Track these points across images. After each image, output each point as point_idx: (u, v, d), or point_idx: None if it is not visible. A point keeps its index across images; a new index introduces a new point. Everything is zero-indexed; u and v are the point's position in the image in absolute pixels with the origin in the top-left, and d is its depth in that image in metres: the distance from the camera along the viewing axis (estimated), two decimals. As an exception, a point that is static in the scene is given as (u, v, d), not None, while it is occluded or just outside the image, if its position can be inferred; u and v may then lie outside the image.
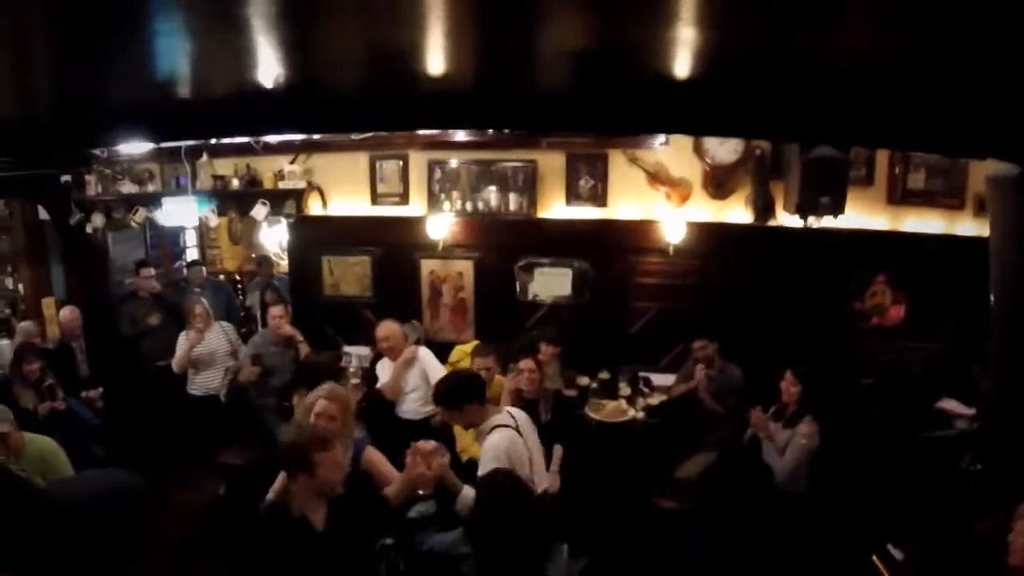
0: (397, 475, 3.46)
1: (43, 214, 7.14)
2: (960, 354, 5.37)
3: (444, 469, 3.31)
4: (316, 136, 6.10)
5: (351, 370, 5.74)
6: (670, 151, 5.86)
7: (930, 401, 5.27)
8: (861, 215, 5.68)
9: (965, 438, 4.79)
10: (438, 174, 6.06)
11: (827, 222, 5.25)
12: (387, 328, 5.22)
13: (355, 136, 6.00)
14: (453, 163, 6.06)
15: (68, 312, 5.96)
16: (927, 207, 5.77)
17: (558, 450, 4.66)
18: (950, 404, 5.17)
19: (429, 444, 3.37)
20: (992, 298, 3.85)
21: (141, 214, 6.74)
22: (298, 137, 6.15)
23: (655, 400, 5.47)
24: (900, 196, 5.78)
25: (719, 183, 5.86)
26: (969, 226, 5.64)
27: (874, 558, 4.23)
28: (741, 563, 4.39)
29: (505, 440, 3.57)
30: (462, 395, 3.74)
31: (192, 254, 8.59)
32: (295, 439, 3.04)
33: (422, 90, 2.75)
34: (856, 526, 4.53)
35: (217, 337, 5.95)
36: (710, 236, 5.81)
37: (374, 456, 3.80)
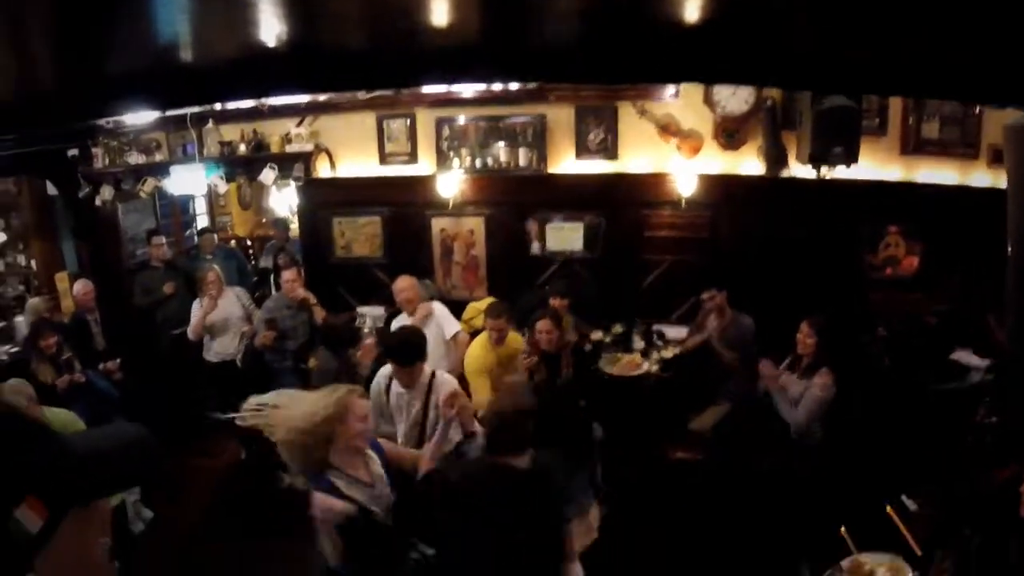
0: None
1: (52, 189, 7.14)
2: (974, 305, 5.32)
3: (465, 410, 3.36)
4: (322, 97, 6.03)
5: (365, 330, 5.78)
6: (680, 102, 5.77)
7: (944, 353, 5.24)
8: (874, 165, 5.60)
9: (979, 390, 4.75)
10: (446, 131, 6.00)
11: (840, 172, 5.19)
12: (404, 280, 5.24)
13: (361, 96, 5.93)
14: (461, 120, 6.00)
15: (81, 285, 5.99)
16: (941, 157, 5.67)
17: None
18: (964, 356, 5.13)
19: (450, 388, 3.55)
20: (1009, 248, 3.80)
21: (150, 184, 6.72)
22: (304, 99, 6.09)
23: (669, 353, 5.47)
24: (914, 146, 5.68)
25: (730, 134, 5.77)
26: (984, 176, 5.54)
27: (888, 509, 4.27)
28: (754, 514, 4.45)
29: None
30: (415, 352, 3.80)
31: (202, 221, 8.59)
32: None
33: (428, 43, 2.70)
34: (870, 477, 4.57)
35: (231, 303, 5.99)
36: (722, 188, 5.76)
37: None
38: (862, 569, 3.26)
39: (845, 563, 3.31)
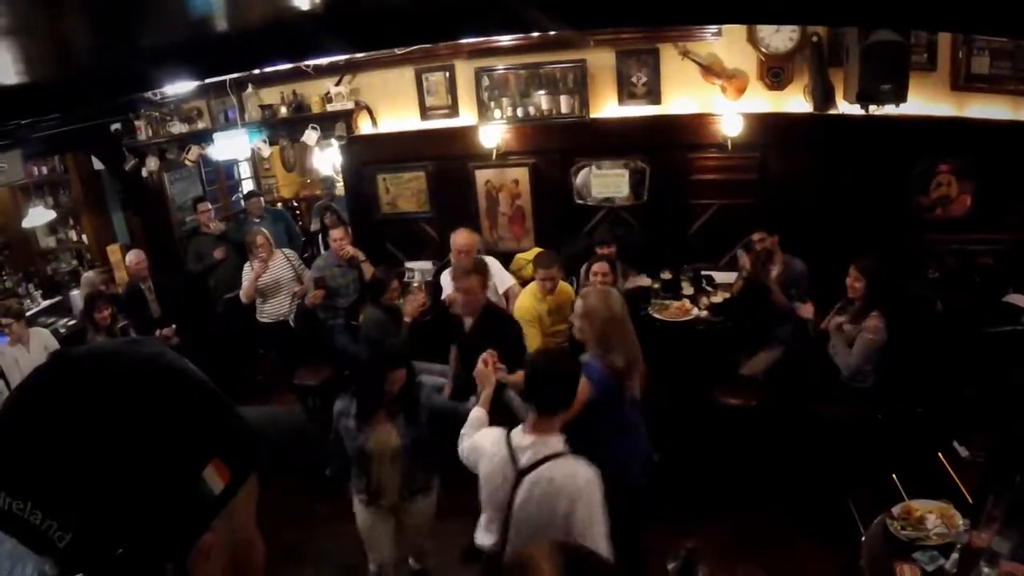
0: None
1: (98, 164, 7.30)
2: (1029, 245, 5.20)
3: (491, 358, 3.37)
4: (360, 55, 6.03)
5: (415, 284, 5.85)
6: (723, 42, 5.62)
7: (997, 295, 5.12)
8: (924, 102, 5.39)
9: None
10: (486, 82, 5.94)
11: (889, 110, 5.03)
12: (466, 236, 5.20)
13: (399, 50, 5.90)
14: (500, 69, 5.92)
15: (133, 256, 6.13)
16: (993, 93, 5.42)
17: None
18: (1019, 298, 5.00)
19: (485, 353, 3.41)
20: None
21: (194, 152, 6.84)
22: (342, 58, 6.09)
23: (718, 298, 5.43)
24: (964, 81, 5.44)
25: (776, 73, 5.63)
26: None
27: (939, 455, 4.23)
28: (806, 459, 4.45)
29: None
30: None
31: (248, 186, 8.70)
32: None
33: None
34: (922, 422, 4.53)
35: (281, 265, 6.11)
36: (768, 128, 5.63)
37: None
38: (913, 515, 3.26)
39: (896, 509, 3.31)
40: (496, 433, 2.84)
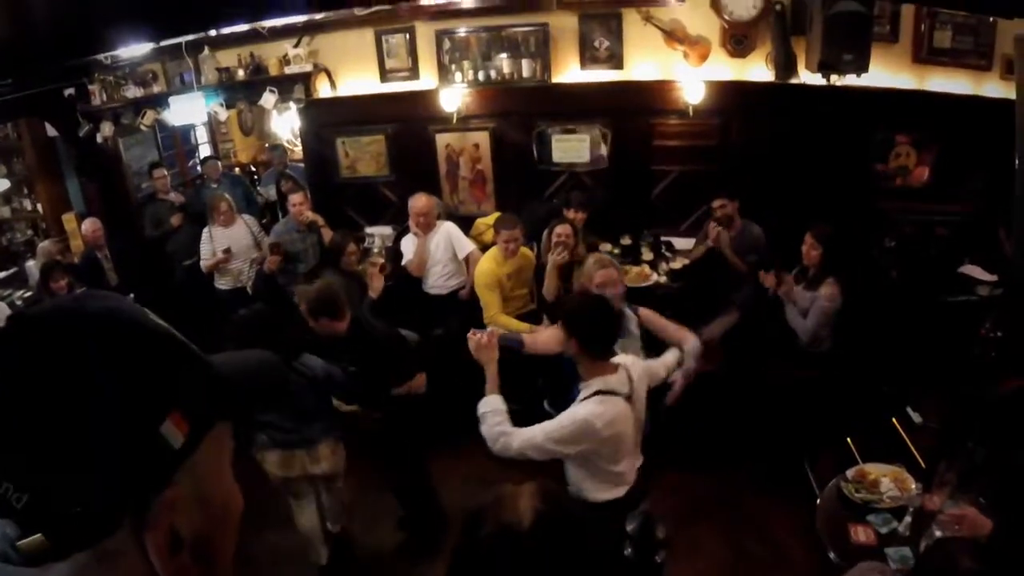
0: None
1: (51, 131, 7.07)
2: (985, 218, 5.26)
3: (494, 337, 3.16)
4: (319, 16, 5.90)
5: (375, 249, 5.79)
6: (686, 7, 5.59)
7: (953, 265, 5.22)
8: (885, 73, 5.44)
9: (986, 303, 4.76)
10: (447, 44, 5.84)
11: (850, 80, 5.05)
12: (424, 200, 5.21)
13: (359, 12, 5.78)
14: (462, 31, 5.83)
15: (89, 224, 6.00)
16: (954, 67, 5.49)
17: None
18: (973, 269, 5.11)
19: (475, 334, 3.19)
20: (1017, 162, 3.73)
21: (149, 116, 6.63)
22: (301, 19, 5.96)
23: (677, 264, 5.48)
24: (926, 54, 5.50)
25: (738, 40, 5.62)
26: (997, 87, 5.36)
27: (893, 421, 4.32)
28: (763, 423, 4.50)
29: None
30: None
31: (205, 150, 8.52)
32: None
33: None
34: (877, 388, 4.61)
35: (240, 230, 6.00)
36: (730, 95, 5.63)
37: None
38: (867, 478, 3.36)
39: (850, 472, 3.40)
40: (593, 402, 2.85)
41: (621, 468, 2.98)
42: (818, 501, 3.58)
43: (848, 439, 4.35)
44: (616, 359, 3.00)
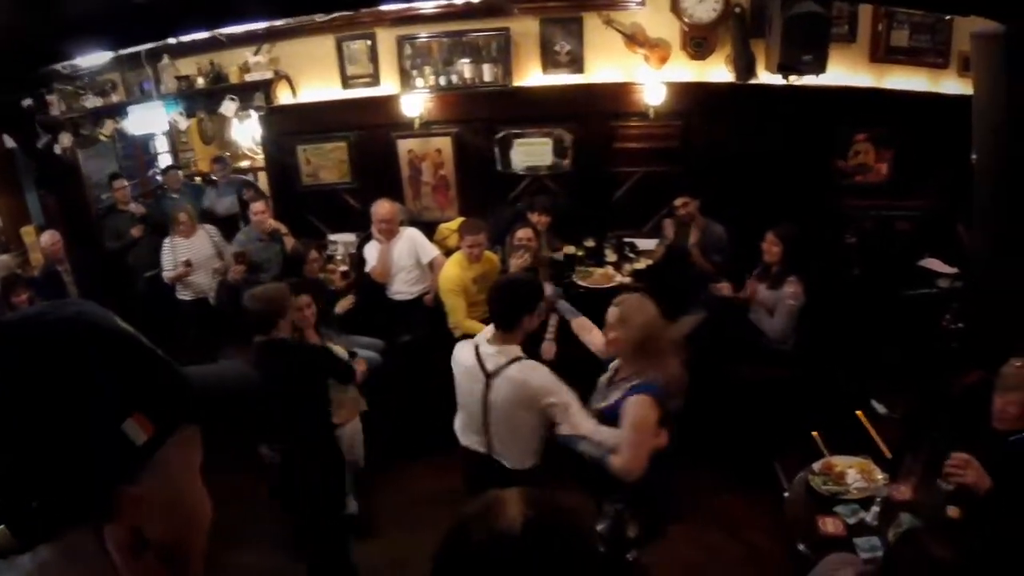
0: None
1: (9, 142, 6.91)
2: (944, 213, 5.36)
3: None
4: (279, 23, 5.85)
5: (339, 256, 5.74)
6: (647, 11, 5.66)
7: (913, 259, 5.30)
8: (844, 73, 5.57)
9: (947, 296, 4.83)
10: (408, 50, 5.84)
11: (809, 80, 5.14)
12: (387, 208, 5.18)
13: (319, 18, 5.75)
14: (423, 37, 5.83)
15: (49, 237, 5.86)
16: (911, 65, 5.64)
17: (554, 319, 4.71)
18: (933, 263, 5.20)
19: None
20: (974, 157, 3.80)
21: (109, 126, 6.55)
22: (261, 26, 5.90)
23: (641, 264, 5.51)
24: (884, 53, 5.65)
25: (698, 43, 5.69)
26: (953, 84, 5.52)
27: (858, 413, 4.36)
28: (730, 419, 4.52)
29: None
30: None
31: (165, 160, 8.38)
32: None
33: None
34: (842, 382, 4.66)
35: (202, 240, 5.92)
36: (691, 97, 5.70)
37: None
38: (834, 470, 3.39)
39: (817, 465, 3.42)
40: (467, 345, 3.21)
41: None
42: (786, 495, 3.59)
43: (814, 433, 4.40)
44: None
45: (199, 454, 0.77)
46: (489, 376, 3.06)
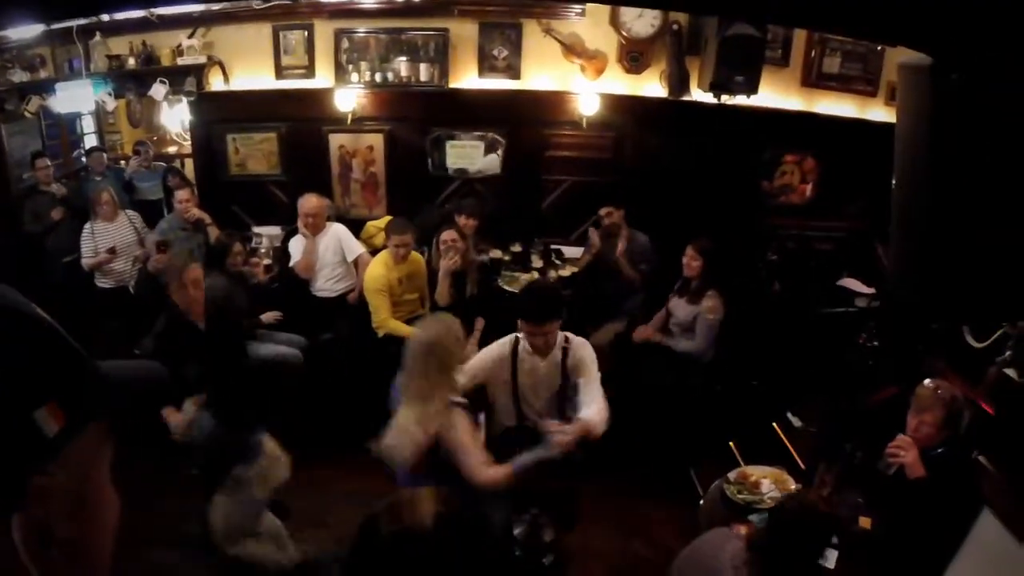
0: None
1: (-72, 116, 6.62)
2: (864, 235, 5.56)
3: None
4: (216, 6, 5.72)
5: (263, 250, 5.64)
6: (586, 22, 5.72)
7: (833, 278, 5.46)
8: (775, 95, 5.74)
9: (864, 315, 4.98)
10: (345, 44, 5.76)
11: (740, 100, 5.27)
12: (313, 200, 5.13)
13: (257, 5, 5.63)
14: (361, 32, 5.75)
15: None
16: (841, 91, 5.84)
17: (479, 322, 4.71)
18: (852, 283, 5.36)
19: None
20: (894, 182, 3.93)
21: (34, 103, 6.27)
22: (197, 8, 5.75)
23: (567, 272, 5.56)
24: (815, 79, 5.84)
25: (635, 57, 5.78)
26: (880, 112, 5.75)
27: (774, 425, 4.47)
28: (648, 427, 4.58)
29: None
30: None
31: (91, 141, 8.05)
32: None
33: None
34: (758, 394, 4.77)
35: (123, 227, 5.74)
36: (624, 110, 5.78)
37: None
38: (748, 479, 3.46)
39: (732, 474, 3.50)
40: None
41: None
42: (701, 502, 3.65)
43: (730, 443, 4.49)
44: None
45: (109, 451, 0.76)
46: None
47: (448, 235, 4.81)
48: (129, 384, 0.82)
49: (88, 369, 0.75)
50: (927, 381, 3.10)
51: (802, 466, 3.86)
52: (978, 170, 1.27)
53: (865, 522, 3.00)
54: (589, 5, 5.60)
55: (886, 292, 4.86)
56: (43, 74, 6.39)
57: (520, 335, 3.40)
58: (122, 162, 7.64)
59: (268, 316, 5.03)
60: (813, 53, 5.79)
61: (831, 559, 2.84)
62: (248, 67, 6.02)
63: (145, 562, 3.84)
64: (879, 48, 5.67)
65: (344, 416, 4.36)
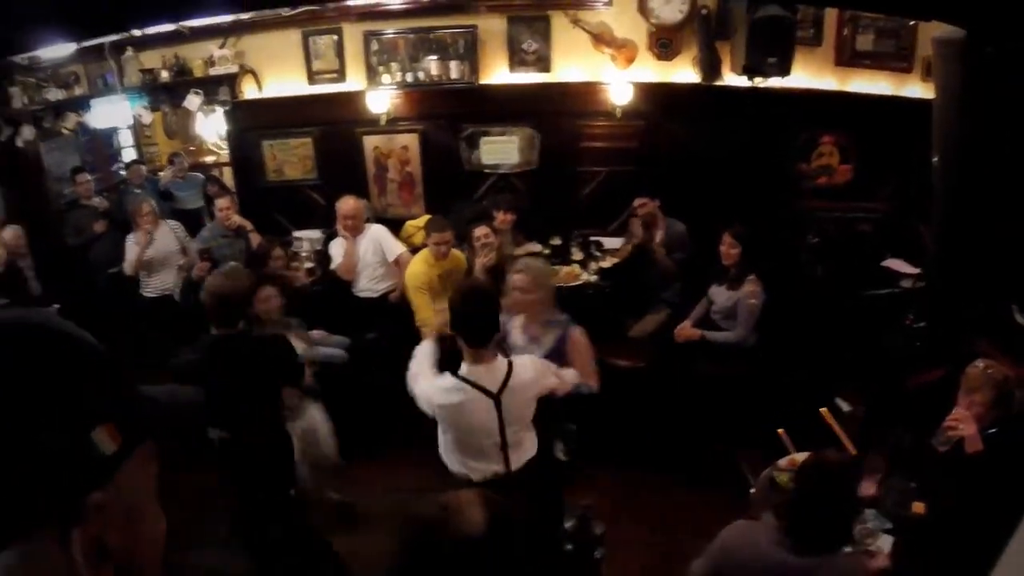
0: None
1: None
2: (906, 214, 5.45)
3: None
4: (244, 16, 5.79)
5: (303, 254, 5.70)
6: (613, 11, 5.68)
7: (875, 260, 5.38)
8: (809, 76, 5.64)
9: (909, 295, 4.89)
10: (375, 46, 5.80)
11: (773, 82, 5.21)
12: (351, 202, 5.17)
13: (285, 12, 5.71)
14: (389, 33, 5.80)
15: (10, 232, 5.70)
16: (875, 69, 5.72)
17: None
18: (895, 263, 5.27)
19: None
20: (934, 159, 3.87)
21: (71, 120, 6.44)
22: (226, 19, 5.83)
23: (607, 263, 5.54)
24: (848, 57, 5.72)
25: (665, 44, 5.72)
26: (917, 88, 5.61)
27: (822, 411, 4.42)
28: (695, 418, 4.56)
29: None
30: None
31: (129, 154, 8.23)
32: None
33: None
34: (805, 380, 4.71)
35: (166, 236, 5.82)
36: (656, 97, 5.74)
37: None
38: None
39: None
40: (447, 380, 2.93)
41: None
42: (751, 491, 3.63)
43: (779, 431, 4.45)
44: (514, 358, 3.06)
45: (154, 472, 0.79)
46: (496, 395, 2.89)
47: (480, 231, 4.82)
48: (170, 407, 0.85)
49: (138, 392, 0.78)
50: (977, 361, 3.04)
51: (853, 451, 3.81)
52: (1012, 141, 1.24)
53: (919, 507, 2.94)
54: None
55: (931, 271, 4.79)
56: (78, 91, 6.54)
57: None
58: (159, 174, 7.77)
59: (316, 334, 4.96)
60: (845, 32, 5.68)
61: (886, 544, 2.81)
62: (280, 74, 6.10)
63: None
64: (911, 23, 5.56)
65: (388, 415, 4.40)
